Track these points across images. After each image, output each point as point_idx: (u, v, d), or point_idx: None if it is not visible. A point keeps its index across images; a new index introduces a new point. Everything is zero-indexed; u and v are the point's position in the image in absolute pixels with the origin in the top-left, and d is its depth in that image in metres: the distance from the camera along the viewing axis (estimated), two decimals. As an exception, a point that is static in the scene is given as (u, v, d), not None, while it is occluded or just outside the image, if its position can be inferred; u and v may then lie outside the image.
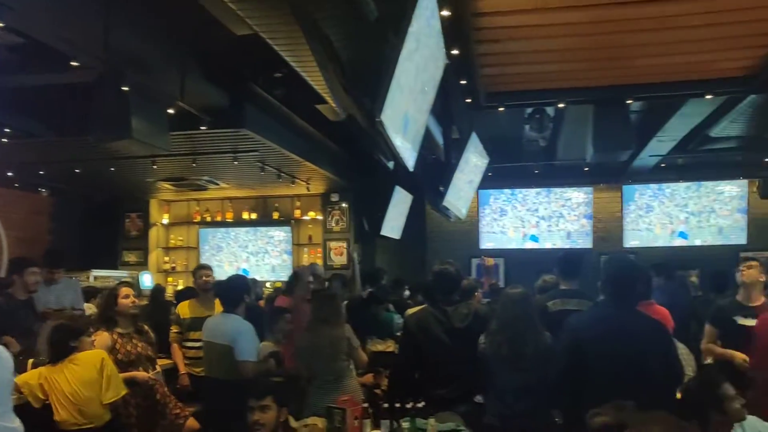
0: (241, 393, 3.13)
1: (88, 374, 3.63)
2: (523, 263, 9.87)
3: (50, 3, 3.93)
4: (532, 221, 11.22)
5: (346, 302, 6.23)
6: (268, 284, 10.10)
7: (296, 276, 5.62)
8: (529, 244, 11.16)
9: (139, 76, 4.62)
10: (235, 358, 4.25)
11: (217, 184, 9.28)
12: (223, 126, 6.28)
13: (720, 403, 2.76)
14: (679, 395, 3.05)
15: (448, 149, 7.38)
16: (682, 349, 4.40)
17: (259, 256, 10.80)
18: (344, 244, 10.16)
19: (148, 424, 4.07)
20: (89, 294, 6.49)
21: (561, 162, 9.66)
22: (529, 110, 7.21)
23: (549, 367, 3.41)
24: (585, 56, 5.13)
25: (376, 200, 8.71)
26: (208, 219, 10.83)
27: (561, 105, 6.45)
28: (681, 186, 10.75)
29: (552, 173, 10.52)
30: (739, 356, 4.08)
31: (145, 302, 6.81)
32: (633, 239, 10.90)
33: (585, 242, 10.94)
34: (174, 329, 5.36)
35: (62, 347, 3.71)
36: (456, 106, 6.33)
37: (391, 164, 4.88)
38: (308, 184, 9.34)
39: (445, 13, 3.94)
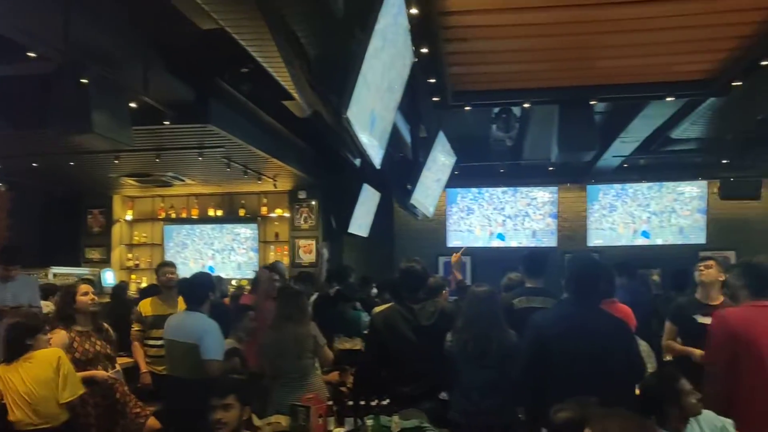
0: (203, 392, 3.09)
1: (44, 373, 3.54)
2: (490, 261, 9.96)
3: (7, -8, 3.82)
4: (499, 220, 11.33)
5: (313, 300, 6.20)
6: (234, 282, 9.99)
7: (256, 275, 5.59)
8: (496, 243, 11.26)
9: (100, 69, 4.52)
10: (200, 357, 4.19)
11: (183, 181, 9.15)
12: (187, 121, 6.18)
13: (677, 398, 2.82)
14: (638, 391, 3.10)
15: (415, 148, 7.40)
16: (643, 346, 4.50)
17: (225, 253, 10.68)
18: (312, 242, 10.11)
19: (108, 424, 3.99)
20: (48, 291, 6.33)
21: (527, 161, 9.77)
22: (496, 110, 7.26)
23: (513, 364, 3.45)
24: (551, 57, 5.19)
25: (344, 198, 8.70)
26: (173, 216, 10.66)
27: (527, 105, 6.52)
28: (643, 186, 10.96)
29: (518, 173, 10.63)
30: (698, 353, 4.17)
31: (106, 300, 6.69)
32: (597, 238, 11.08)
33: (550, 241, 11.09)
34: (135, 327, 5.27)
35: (17, 345, 3.61)
36: (424, 105, 6.34)
37: (358, 162, 4.87)
38: (275, 181, 9.27)
39: (413, 11, 3.93)
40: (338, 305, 6.31)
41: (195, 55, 5.70)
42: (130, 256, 10.70)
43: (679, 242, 10.76)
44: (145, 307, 5.30)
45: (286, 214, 10.27)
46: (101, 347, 4.14)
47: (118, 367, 4.28)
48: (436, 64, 4.97)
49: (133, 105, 5.34)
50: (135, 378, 5.07)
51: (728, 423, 2.95)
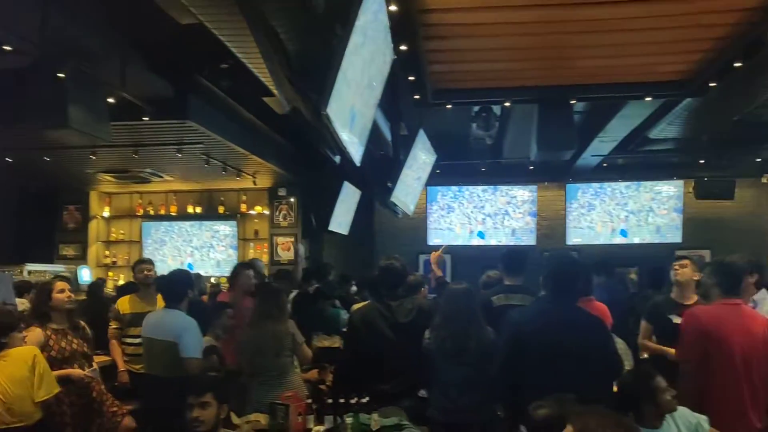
0: (180, 390, 3.07)
1: (18, 372, 3.48)
2: (470, 259, 9.99)
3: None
4: (479, 218, 11.37)
5: (292, 297, 6.19)
6: (213, 279, 9.93)
7: (233, 272, 5.56)
8: (476, 241, 11.31)
9: (77, 63, 4.46)
10: (178, 355, 4.16)
11: (161, 177, 9.06)
12: (166, 117, 6.13)
13: (653, 395, 2.85)
14: (615, 388, 3.14)
15: (396, 145, 7.40)
16: (620, 344, 4.54)
17: (204, 250, 10.60)
18: (292, 240, 10.07)
19: (84, 423, 3.94)
20: (23, 289, 6.24)
21: (507, 160, 9.82)
22: (476, 108, 7.29)
23: (491, 361, 3.47)
24: (531, 56, 5.22)
25: (324, 195, 8.67)
26: (152, 212, 10.55)
27: (507, 104, 6.56)
28: (621, 185, 11.07)
29: (498, 171, 10.69)
30: (672, 352, 4.22)
31: (82, 297, 6.60)
32: (575, 237, 11.18)
33: (529, 239, 11.16)
34: (113, 325, 5.20)
35: (-9, 343, 3.54)
36: (404, 103, 6.35)
37: (337, 159, 4.85)
38: (255, 178, 9.22)
39: (393, 8, 3.93)
40: (317, 303, 6.30)
41: (174, 51, 5.64)
42: (107, 253, 10.57)
43: (656, 241, 10.89)
44: (123, 304, 5.24)
45: (266, 212, 10.22)
46: (78, 345, 4.08)
47: (94, 366, 4.23)
48: (416, 61, 4.98)
49: (110, 100, 5.28)
50: (112, 376, 5.01)
51: (703, 419, 3.00)
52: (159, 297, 4.86)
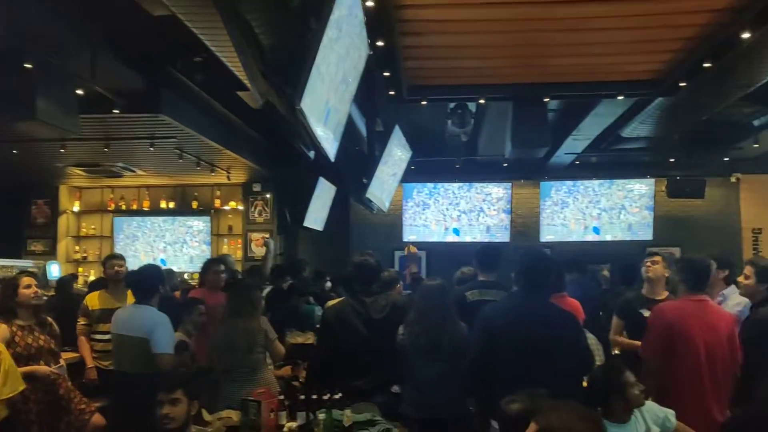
0: (150, 386, 3.02)
1: (-18, 368, 3.40)
2: (445, 256, 10.04)
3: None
4: (454, 215, 11.42)
5: (266, 294, 6.14)
6: (186, 275, 9.82)
7: (203, 268, 5.52)
8: (451, 238, 11.35)
9: (44, 54, 4.36)
10: (149, 351, 4.10)
11: (133, 171, 8.92)
12: (138, 110, 6.02)
13: (622, 390, 2.88)
14: (585, 383, 3.17)
15: (371, 141, 7.39)
16: (591, 340, 4.59)
17: (177, 246, 10.48)
18: (267, 236, 10.00)
19: (51, 420, 3.86)
20: (-12, 284, 6.09)
21: (482, 157, 9.88)
22: (452, 105, 7.31)
23: (465, 357, 3.48)
24: (505, 53, 5.26)
25: (299, 191, 8.63)
26: (124, 207, 10.40)
27: (482, 101, 6.58)
28: (594, 183, 11.21)
29: (473, 168, 10.75)
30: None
31: (51, 293, 6.48)
32: (549, 234, 11.29)
33: (503, 236, 11.24)
34: (81, 321, 5.11)
35: (-46, 340, 3.46)
36: (380, 99, 6.34)
37: (312, 154, 4.84)
38: (229, 173, 9.13)
39: (369, 3, 3.92)
40: (292, 299, 6.27)
41: (146, 43, 5.54)
42: (77, 248, 10.39)
43: (628, 238, 11.05)
44: (92, 300, 5.15)
45: (240, 207, 10.13)
46: (44, 342, 4.00)
47: (62, 362, 4.14)
48: (391, 57, 4.98)
49: (80, 92, 5.17)
50: (80, 373, 4.93)
51: (670, 413, 3.05)
52: (129, 293, 4.79)
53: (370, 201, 7.99)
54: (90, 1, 4.72)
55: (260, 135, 8.51)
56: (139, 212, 10.40)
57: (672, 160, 9.93)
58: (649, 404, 3.01)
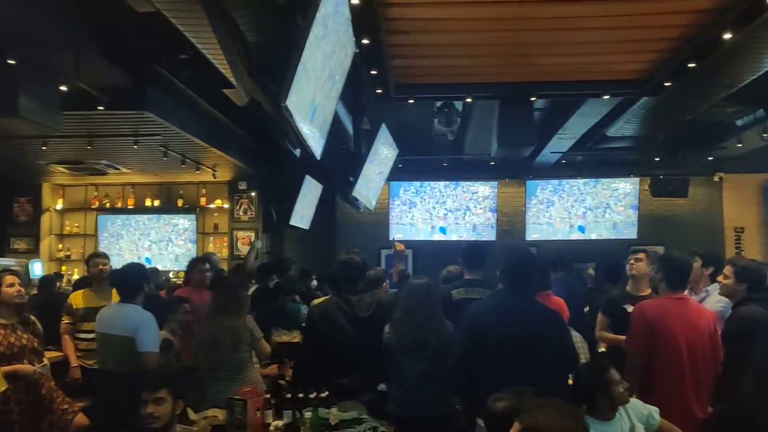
0: (135, 385, 3.00)
1: (-37, 368, 3.35)
2: (431, 254, 10.06)
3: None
4: (441, 213, 11.44)
5: (251, 292, 6.12)
6: (171, 274, 9.76)
7: (188, 267, 5.50)
8: (437, 236, 11.37)
9: (28, 51, 4.30)
10: (134, 350, 4.07)
11: (118, 169, 8.83)
12: (122, 107, 5.96)
13: (607, 387, 2.90)
14: (571, 381, 3.19)
15: (358, 140, 7.38)
16: (576, 338, 4.63)
17: (162, 244, 10.40)
18: (252, 234, 9.96)
19: (33, 420, 3.81)
20: (-30, 283, 6.01)
21: (468, 156, 9.90)
22: (438, 104, 7.32)
23: (450, 355, 3.48)
24: (492, 52, 5.27)
25: (286, 189, 8.60)
26: (108, 205, 10.30)
27: (468, 100, 6.59)
28: (579, 182, 11.27)
29: (460, 167, 10.77)
30: (627, 342, 4.33)
31: (34, 292, 6.42)
32: (535, 232, 11.33)
33: (489, 235, 11.27)
34: (65, 320, 5.08)
35: (-65, 339, 3.41)
36: (367, 97, 6.33)
37: (298, 152, 4.82)
38: (214, 171, 9.08)
39: (355, 1, 3.91)
40: (278, 298, 6.25)
41: (131, 39, 5.50)
42: (60, 246, 10.29)
43: (613, 237, 11.12)
44: (76, 299, 5.12)
45: (226, 205, 10.08)
46: (27, 341, 3.94)
47: (45, 362, 4.09)
48: (378, 55, 4.97)
49: (63, 89, 5.11)
50: (64, 373, 4.89)
51: (654, 410, 3.08)
52: (114, 292, 4.75)
53: (357, 199, 7.98)
54: (74, -3, 4.68)
55: (246, 133, 8.47)
56: (123, 210, 10.30)
57: (656, 159, 10.01)
58: (634, 401, 3.03)
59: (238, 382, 4.01)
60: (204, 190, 10.14)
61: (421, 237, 11.29)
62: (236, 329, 4.17)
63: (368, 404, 3.65)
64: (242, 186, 9.95)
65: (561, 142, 8.60)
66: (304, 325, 5.11)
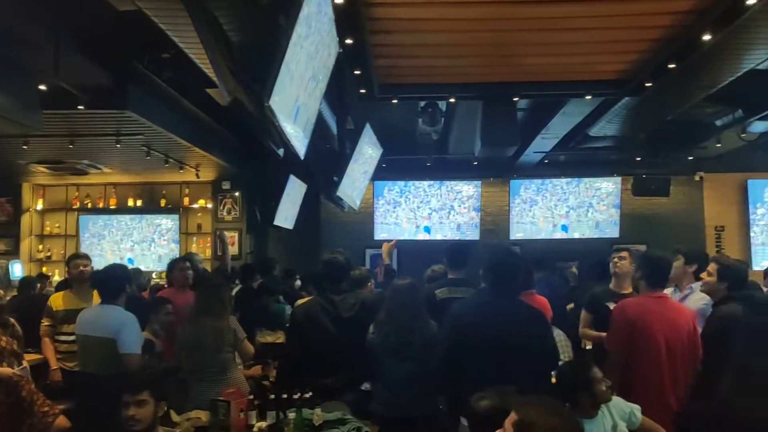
0: (116, 387, 2.98)
1: (-59, 372, 3.30)
2: (416, 254, 10.05)
3: None
4: (425, 213, 11.46)
5: (235, 292, 6.10)
6: (154, 275, 9.68)
7: (168, 267, 5.48)
8: (422, 236, 11.39)
9: (5, 48, 4.24)
10: (115, 352, 4.03)
11: (99, 169, 8.74)
12: (104, 107, 5.89)
13: (589, 385, 2.93)
14: (554, 380, 3.21)
15: (342, 139, 7.37)
16: (560, 336, 4.67)
17: (145, 245, 10.32)
18: (236, 234, 9.92)
19: (12, 424, 3.76)
20: (-52, 285, 5.94)
21: (452, 156, 9.92)
22: (422, 104, 7.33)
23: (434, 354, 3.49)
24: (474, 52, 5.28)
25: (270, 189, 8.56)
26: (89, 205, 10.20)
27: (452, 100, 6.60)
28: (562, 181, 11.34)
29: (444, 166, 10.79)
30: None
31: (14, 293, 6.34)
32: (518, 231, 11.38)
33: (473, 234, 11.31)
34: (45, 322, 5.01)
35: None
36: (351, 97, 6.32)
37: (281, 152, 4.80)
38: (198, 170, 9.02)
39: (338, 1, 3.90)
40: (262, 298, 6.23)
41: (112, 38, 5.44)
42: (41, 247, 10.17)
43: (595, 236, 11.20)
44: (57, 301, 5.05)
45: (209, 205, 10.03)
46: (6, 343, 3.88)
47: (24, 364, 4.05)
48: (361, 55, 4.96)
49: (42, 88, 5.05)
50: (44, 375, 4.83)
51: (636, 408, 3.11)
52: (95, 293, 4.70)
53: (341, 199, 7.96)
54: (53, -6, 4.62)
55: (230, 132, 8.43)
56: (105, 210, 10.21)
57: (638, 158, 10.10)
58: (616, 399, 3.06)
59: (221, 383, 3.98)
60: (187, 190, 10.09)
61: (406, 236, 11.28)
62: (219, 330, 4.14)
63: (352, 404, 3.65)
64: (226, 186, 9.91)
65: (544, 142, 8.65)
66: (288, 325, 5.10)
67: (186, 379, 4.12)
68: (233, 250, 9.84)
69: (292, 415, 3.40)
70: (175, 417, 3.50)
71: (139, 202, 10.17)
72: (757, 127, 7.59)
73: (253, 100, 3.49)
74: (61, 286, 6.07)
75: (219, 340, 4.11)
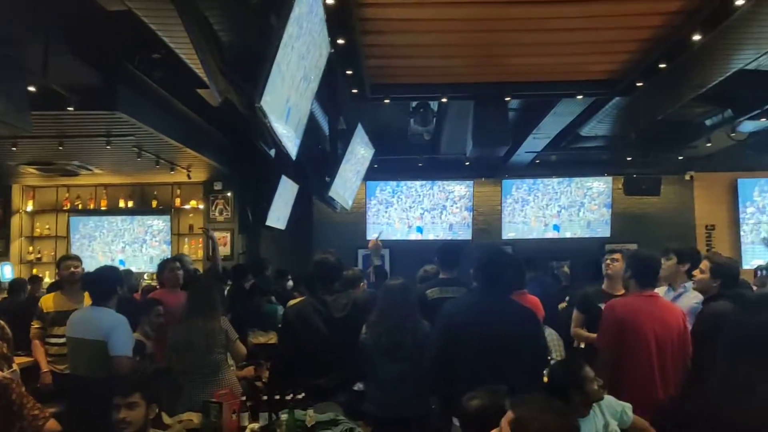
0: (107, 390, 2.96)
1: (-71, 375, 3.28)
2: (409, 254, 10.06)
3: None
4: (417, 213, 11.47)
5: (227, 293, 6.08)
6: (146, 276, 9.64)
7: (158, 267, 5.46)
8: (414, 236, 11.39)
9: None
10: (106, 354, 4.01)
11: (90, 170, 8.70)
12: (94, 107, 5.86)
13: (581, 384, 2.94)
14: (546, 379, 3.22)
15: (334, 139, 7.36)
16: (552, 335, 4.68)
17: (137, 246, 10.28)
18: (228, 235, 9.88)
19: (3, 427, 3.74)
20: (-63, 287, 5.89)
21: (444, 156, 9.93)
22: (414, 104, 7.34)
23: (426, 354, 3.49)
24: (466, 53, 5.29)
25: (262, 190, 8.55)
26: (80, 207, 10.16)
27: (443, 100, 6.61)
28: (554, 181, 11.37)
29: (436, 166, 10.80)
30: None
31: (4, 296, 6.30)
32: (510, 231, 11.40)
33: (466, 234, 11.32)
34: (35, 324, 4.98)
35: None
36: (342, 97, 6.32)
37: (272, 152, 4.78)
38: (189, 171, 8.99)
39: (329, 1, 3.90)
40: (254, 299, 6.22)
41: (102, 38, 5.41)
42: (31, 249, 10.11)
43: (587, 235, 11.24)
44: (47, 302, 5.02)
45: (201, 206, 10.00)
46: (-4, 346, 3.88)
47: (14, 367, 4.03)
48: (353, 55, 4.96)
49: (32, 89, 5.01)
50: (34, 378, 4.80)
51: (627, 407, 3.12)
52: (86, 295, 4.67)
53: (333, 199, 7.95)
54: (42, -6, 4.59)
55: (221, 133, 8.40)
56: (96, 212, 10.17)
57: (629, 158, 10.15)
58: (607, 398, 3.07)
59: (213, 384, 3.97)
60: (179, 191, 10.06)
61: (398, 236, 11.29)
62: (211, 331, 4.12)
63: (344, 405, 3.64)
64: (218, 186, 9.88)
65: (535, 142, 8.67)
66: (280, 326, 5.09)
67: (178, 380, 4.10)
68: (225, 250, 9.81)
69: (284, 416, 3.39)
70: (166, 419, 3.48)
71: (130, 203, 10.13)
72: (747, 126, 7.64)
73: (244, 101, 3.48)
74: (51, 288, 6.04)
75: (210, 341, 4.09)
